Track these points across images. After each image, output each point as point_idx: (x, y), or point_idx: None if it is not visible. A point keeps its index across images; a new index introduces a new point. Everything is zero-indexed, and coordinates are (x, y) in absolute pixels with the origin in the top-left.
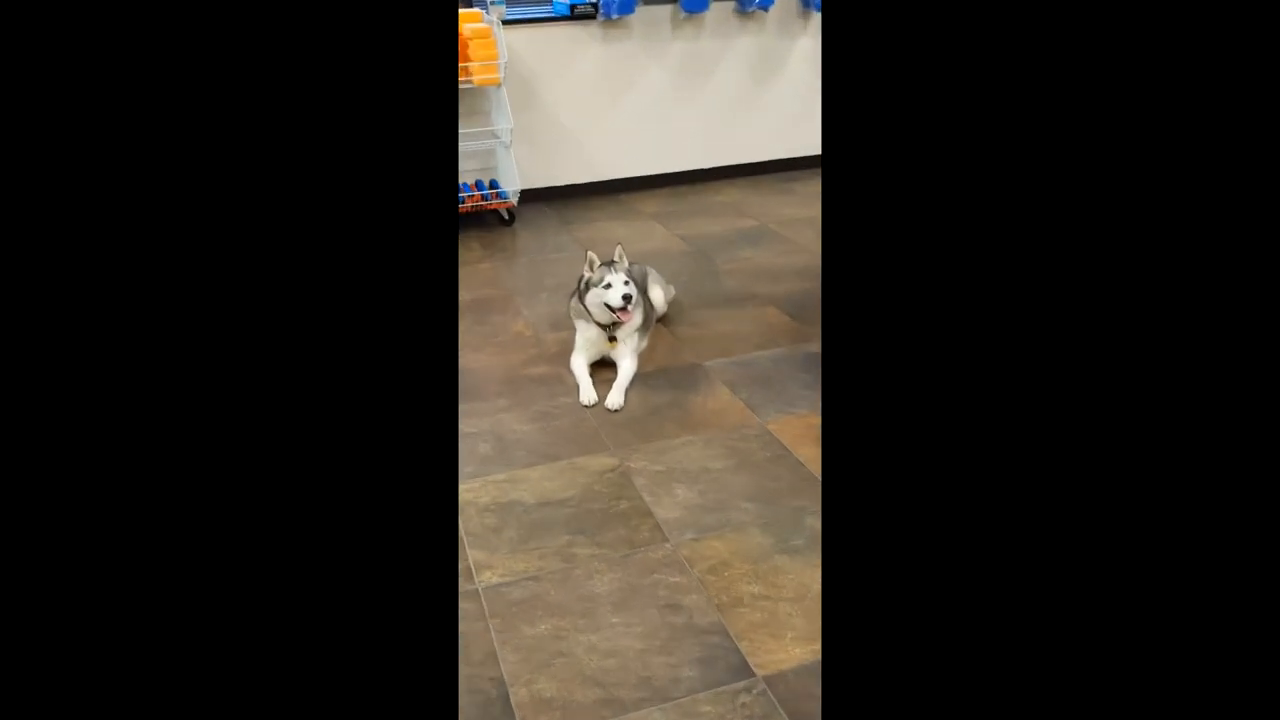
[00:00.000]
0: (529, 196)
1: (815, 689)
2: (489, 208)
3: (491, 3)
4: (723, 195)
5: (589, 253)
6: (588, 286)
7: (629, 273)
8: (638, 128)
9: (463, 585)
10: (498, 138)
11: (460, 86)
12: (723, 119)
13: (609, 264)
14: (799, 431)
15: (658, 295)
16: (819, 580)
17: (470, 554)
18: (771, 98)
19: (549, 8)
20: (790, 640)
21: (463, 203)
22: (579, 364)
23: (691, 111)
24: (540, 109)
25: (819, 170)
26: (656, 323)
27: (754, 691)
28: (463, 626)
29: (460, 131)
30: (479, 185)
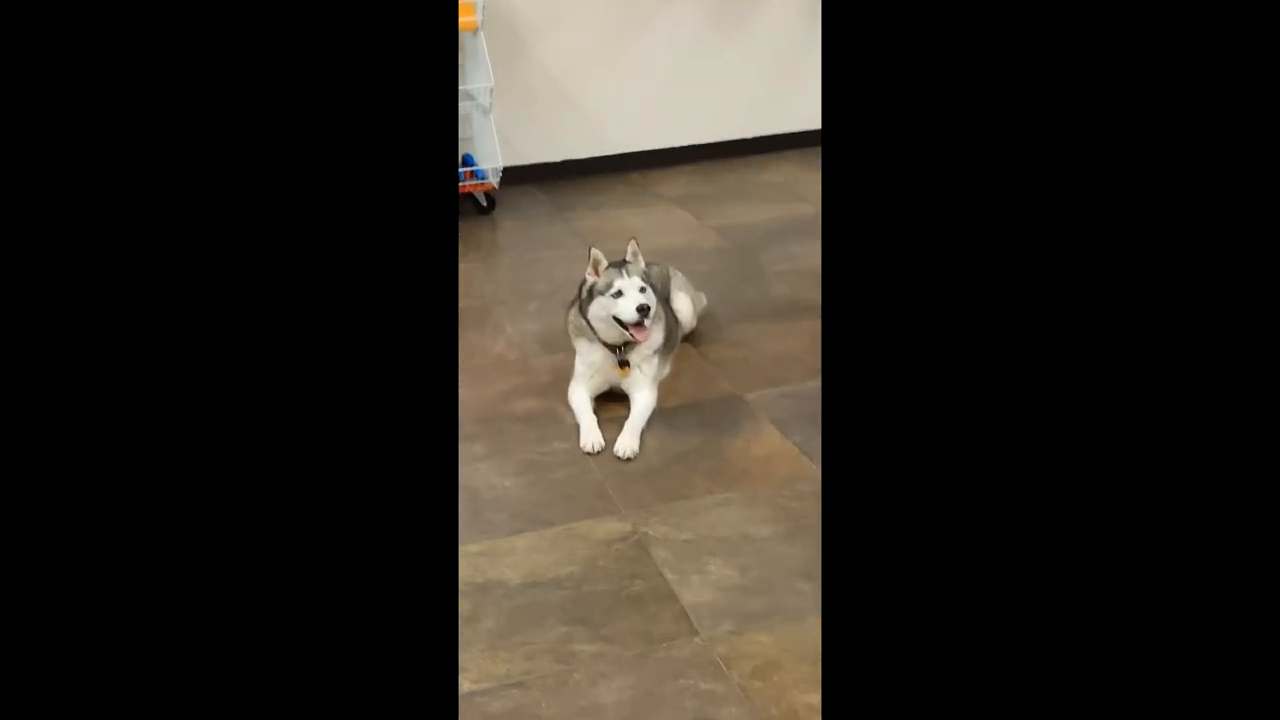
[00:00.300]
0: (514, 176)
1: None
2: (463, 191)
3: None
4: (769, 173)
5: (592, 250)
6: (591, 295)
7: (646, 276)
8: (658, 86)
9: None
10: (474, 99)
11: None
12: (769, 75)
13: (619, 265)
14: None
15: (684, 305)
16: None
17: None
18: None
19: None
20: None
21: None
22: (580, 397)
23: (728, 65)
24: (530, 62)
25: None
26: (682, 342)
27: None
28: None
29: None
30: None
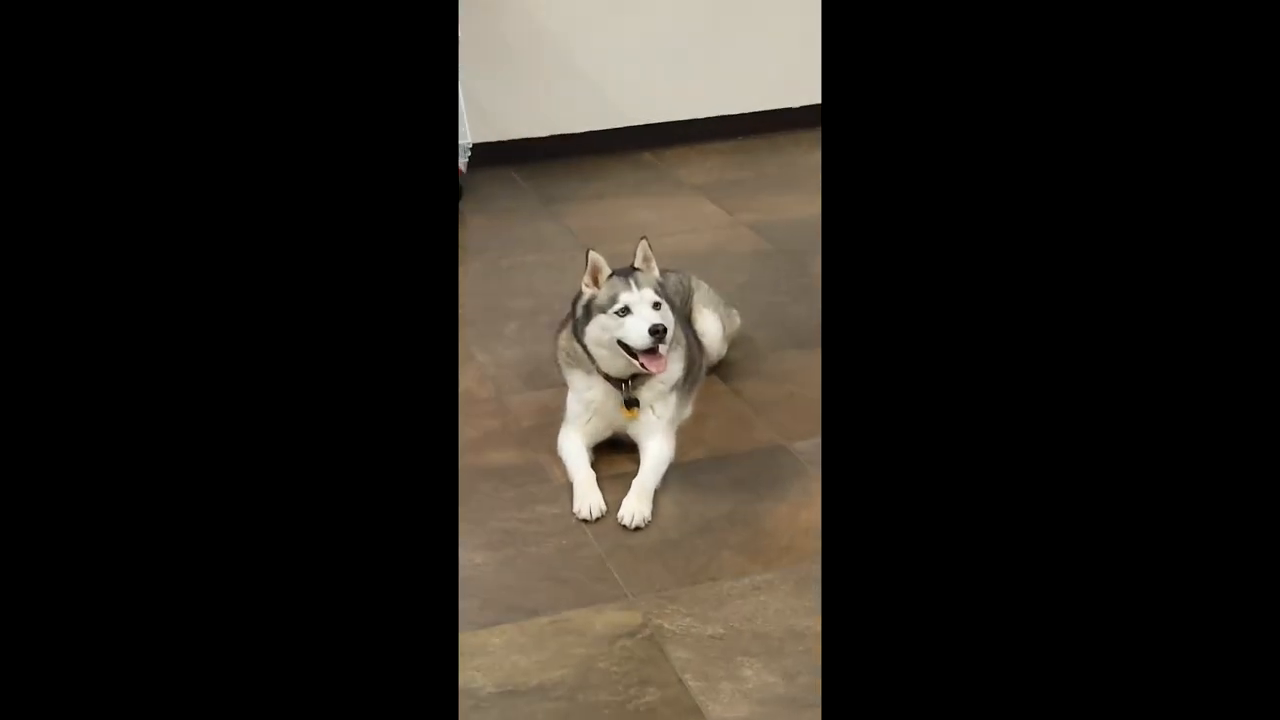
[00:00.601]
0: (487, 155)
1: None
2: None
3: None
4: (820, 154)
5: (591, 253)
6: (589, 312)
7: (660, 288)
8: (678, 41)
9: None
10: None
11: None
12: (819, 28)
13: (626, 274)
14: None
15: (711, 327)
16: None
17: None
18: None
19: None
20: None
21: None
22: (573, 448)
23: (769, 15)
24: (509, 7)
25: None
26: (708, 374)
27: None
28: None
29: None
30: None
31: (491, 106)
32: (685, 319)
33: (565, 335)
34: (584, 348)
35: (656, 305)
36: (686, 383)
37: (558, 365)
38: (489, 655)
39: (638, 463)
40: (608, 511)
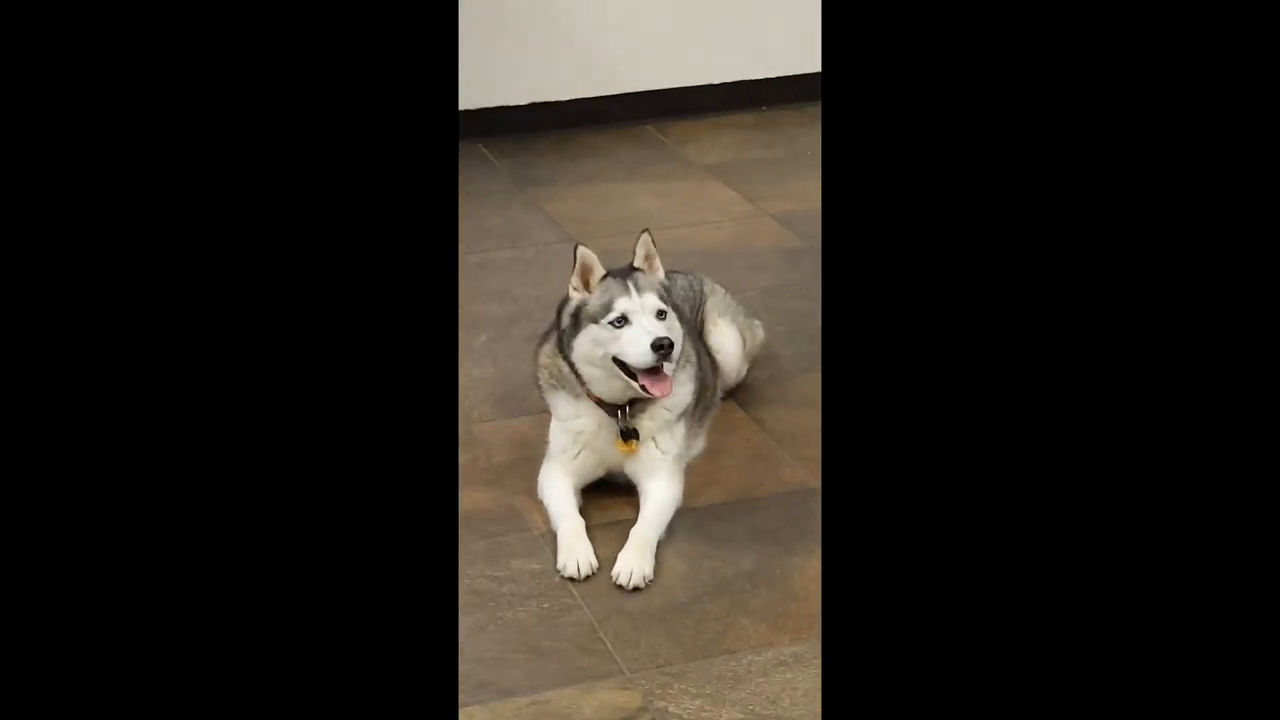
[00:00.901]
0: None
1: None
2: None
3: None
4: None
5: (580, 250)
6: (579, 322)
7: (666, 293)
8: None
9: None
10: None
11: None
12: None
13: (623, 275)
14: None
15: (728, 341)
16: None
17: None
18: None
19: None
20: None
21: None
22: (557, 490)
23: None
24: None
25: None
26: (724, 399)
27: None
28: None
29: None
30: None
31: (461, 70)
32: (696, 331)
33: (548, 350)
34: (571, 366)
35: (661, 314)
36: (697, 410)
37: (538, 387)
38: None
39: (636, 508)
40: (600, 568)
